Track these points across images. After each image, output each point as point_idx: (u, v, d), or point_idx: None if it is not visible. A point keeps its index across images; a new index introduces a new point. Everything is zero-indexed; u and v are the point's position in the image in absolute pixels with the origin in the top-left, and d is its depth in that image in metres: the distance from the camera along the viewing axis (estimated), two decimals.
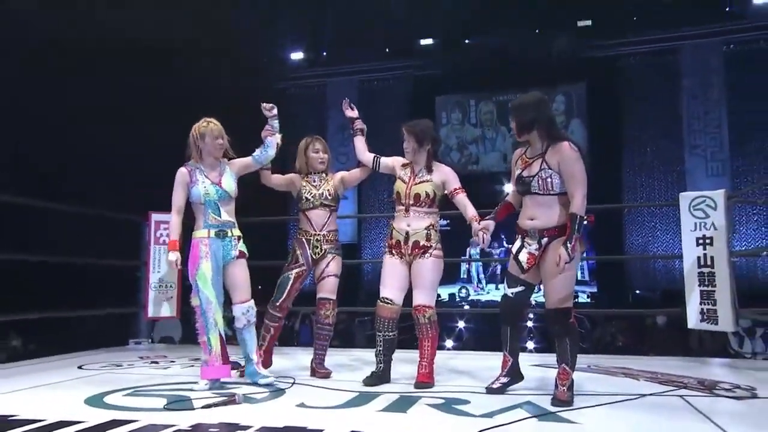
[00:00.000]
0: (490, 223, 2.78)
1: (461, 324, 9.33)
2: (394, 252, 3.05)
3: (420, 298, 2.99)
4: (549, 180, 2.53)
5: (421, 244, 2.99)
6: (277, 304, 3.23)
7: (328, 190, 3.30)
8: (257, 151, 3.17)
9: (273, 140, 3.17)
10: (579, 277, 9.17)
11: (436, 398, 2.65)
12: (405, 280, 3.03)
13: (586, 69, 11.59)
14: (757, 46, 11.14)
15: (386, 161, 3.21)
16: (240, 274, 3.00)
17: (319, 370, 3.25)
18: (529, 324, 8.71)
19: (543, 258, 2.58)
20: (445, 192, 3.08)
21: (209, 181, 3.00)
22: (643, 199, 11.09)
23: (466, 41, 11.85)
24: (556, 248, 2.51)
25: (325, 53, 12.60)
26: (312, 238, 3.25)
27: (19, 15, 7.63)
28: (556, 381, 2.59)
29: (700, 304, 3.60)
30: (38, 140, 8.24)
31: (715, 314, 3.54)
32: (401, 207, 3.06)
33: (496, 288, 11.90)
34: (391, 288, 3.02)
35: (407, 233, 3.01)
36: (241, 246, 3.04)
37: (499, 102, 12.78)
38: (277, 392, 2.84)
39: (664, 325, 6.67)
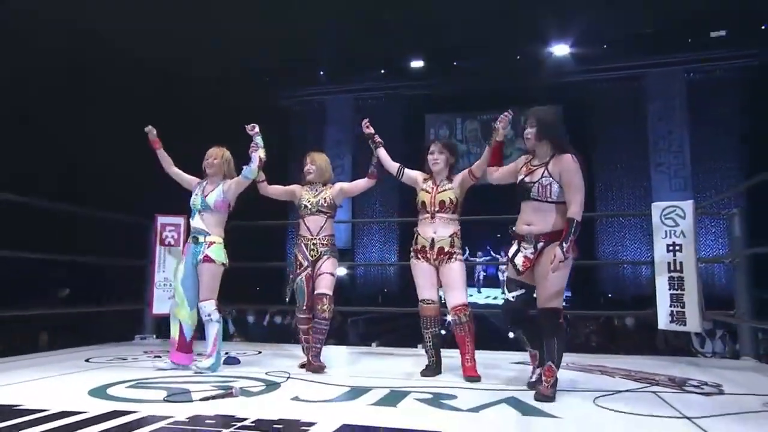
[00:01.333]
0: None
1: (449, 318, 9.25)
2: (420, 257, 3.09)
3: (456, 298, 3.00)
4: (549, 187, 2.52)
5: (446, 250, 3.03)
6: (303, 308, 3.29)
7: (325, 198, 3.34)
8: (244, 169, 3.24)
9: (255, 155, 3.26)
10: None
11: (425, 393, 2.56)
12: (436, 280, 3.08)
13: (562, 92, 11.67)
14: (715, 75, 11.33)
15: (410, 173, 3.26)
16: (202, 277, 3.16)
17: (314, 362, 3.20)
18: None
19: (538, 261, 2.55)
20: (465, 185, 3.13)
21: (201, 193, 3.26)
22: (613, 212, 11.16)
23: (454, 64, 11.88)
24: (550, 251, 2.48)
25: (322, 72, 12.56)
26: (309, 242, 3.30)
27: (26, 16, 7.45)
28: (540, 377, 2.55)
29: (670, 306, 3.54)
30: (57, 148, 8.10)
31: (684, 316, 3.48)
32: (427, 214, 3.09)
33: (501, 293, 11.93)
34: (428, 289, 3.08)
35: (432, 240, 3.04)
36: (211, 251, 3.16)
37: (483, 120, 12.83)
38: (273, 386, 2.74)
39: (632, 326, 6.62)
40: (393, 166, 3.28)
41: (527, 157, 2.70)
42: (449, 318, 3.07)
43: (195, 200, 3.24)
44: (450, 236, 3.04)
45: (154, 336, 4.84)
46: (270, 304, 7.47)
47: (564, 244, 2.42)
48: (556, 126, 2.62)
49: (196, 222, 3.22)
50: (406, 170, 3.25)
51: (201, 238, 3.18)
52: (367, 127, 3.34)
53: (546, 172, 2.55)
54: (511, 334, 8.90)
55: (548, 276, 2.48)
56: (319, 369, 3.15)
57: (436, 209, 3.06)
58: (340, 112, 12.97)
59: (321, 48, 10.88)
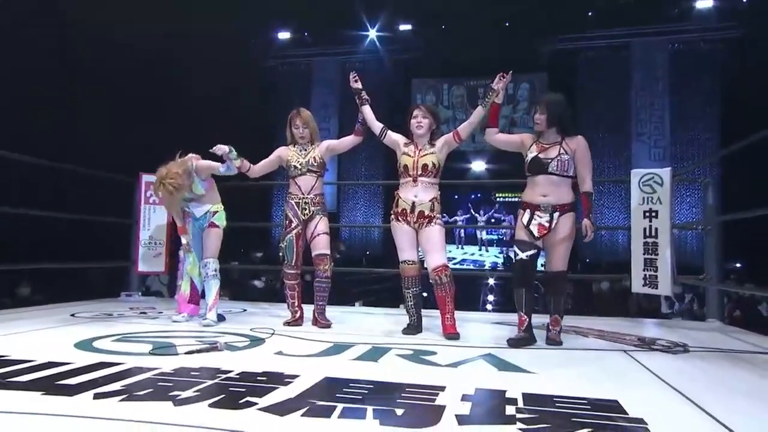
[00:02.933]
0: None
1: (430, 280, 9.38)
2: (400, 219, 3.11)
3: (436, 260, 3.03)
4: (567, 163, 2.78)
5: (426, 213, 3.06)
6: (291, 264, 3.33)
7: (314, 157, 3.32)
8: (222, 167, 3.30)
9: (233, 164, 3.29)
10: None
11: (406, 350, 2.61)
12: (416, 242, 3.12)
13: (548, 60, 11.58)
14: (698, 47, 11.28)
15: (392, 135, 3.23)
16: (209, 239, 3.39)
17: (320, 320, 3.29)
18: (491, 281, 8.80)
19: (554, 229, 2.78)
20: (449, 148, 3.13)
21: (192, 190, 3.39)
22: (594, 181, 11.24)
23: (443, 27, 11.65)
24: (565, 220, 2.79)
25: (306, 33, 12.24)
26: (301, 201, 3.31)
27: None
28: (548, 326, 2.89)
29: (644, 270, 3.62)
30: (41, 103, 7.83)
31: (656, 280, 3.57)
32: (408, 178, 3.09)
33: (482, 251, 12.41)
34: (409, 251, 3.11)
35: (413, 203, 3.06)
36: (216, 218, 3.38)
37: (470, 86, 12.69)
38: (257, 341, 2.77)
39: (607, 290, 6.78)
40: (377, 126, 3.24)
41: (533, 137, 2.89)
42: (430, 280, 3.10)
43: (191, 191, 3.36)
44: (430, 200, 3.05)
45: (140, 293, 4.82)
46: (255, 264, 7.46)
47: (591, 215, 2.78)
48: (564, 112, 2.83)
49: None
50: (389, 132, 3.22)
51: (205, 208, 3.37)
52: (355, 80, 3.28)
53: (562, 149, 2.79)
54: (490, 297, 9.13)
55: (562, 244, 2.79)
56: (326, 326, 3.23)
57: (419, 173, 3.07)
58: (326, 74, 12.71)
59: (307, 9, 10.58)
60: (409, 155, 3.11)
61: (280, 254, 3.38)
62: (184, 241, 3.46)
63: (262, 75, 12.15)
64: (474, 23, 11.05)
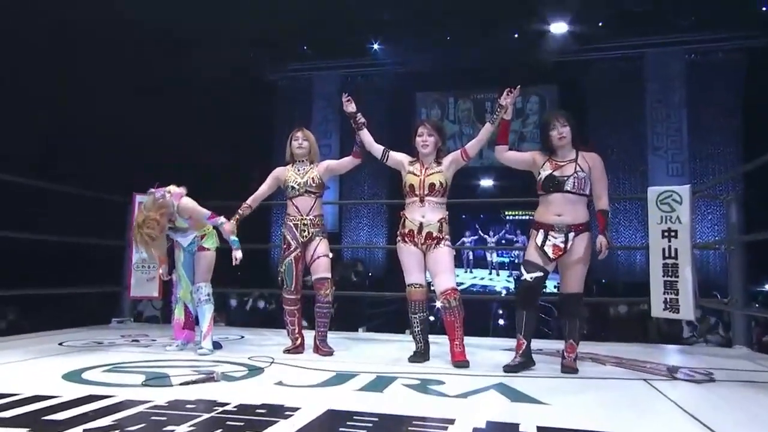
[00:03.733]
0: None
1: (438, 304, 9.31)
2: (407, 240, 3.12)
3: (445, 283, 3.04)
4: (583, 181, 2.82)
5: (434, 234, 3.07)
6: (291, 288, 3.34)
7: (313, 177, 3.35)
8: (211, 220, 3.35)
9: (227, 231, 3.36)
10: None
11: (412, 379, 2.59)
12: (423, 265, 3.13)
13: (558, 72, 11.65)
14: (716, 57, 11.34)
15: (395, 155, 3.24)
16: (200, 263, 3.43)
17: (322, 348, 3.29)
18: (501, 322, 8.74)
19: (569, 249, 2.81)
20: (456, 166, 3.15)
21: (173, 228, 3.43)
22: (609, 198, 11.21)
23: (447, 38, 11.76)
24: (581, 241, 2.82)
25: (305, 47, 12.40)
26: (299, 222, 3.33)
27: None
28: (563, 353, 2.89)
29: (664, 293, 3.60)
30: (28, 121, 7.92)
31: (677, 303, 3.55)
32: (415, 198, 3.11)
33: (495, 274, 12.29)
34: (416, 273, 3.12)
35: (421, 224, 3.08)
36: (204, 242, 3.42)
37: (477, 100, 12.78)
38: (256, 371, 2.76)
39: (625, 314, 6.72)
40: (377, 149, 3.25)
41: (545, 154, 2.92)
42: (438, 304, 3.10)
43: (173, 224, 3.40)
44: (439, 221, 3.07)
45: (132, 320, 4.82)
46: (252, 287, 7.46)
47: (606, 233, 2.82)
48: (578, 128, 2.91)
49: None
50: (391, 153, 3.23)
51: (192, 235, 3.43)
52: (348, 102, 3.26)
53: (578, 167, 2.84)
54: (501, 321, 9.05)
55: (577, 265, 2.81)
56: (328, 354, 3.23)
57: (426, 192, 3.08)
58: (327, 88, 12.82)
59: (305, 21, 10.73)
60: (415, 174, 3.13)
61: (279, 278, 3.39)
62: (160, 270, 3.55)
63: (261, 90, 12.30)
64: (481, 34, 11.18)
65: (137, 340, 3.79)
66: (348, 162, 3.39)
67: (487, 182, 12.66)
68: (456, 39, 11.64)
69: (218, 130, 9.91)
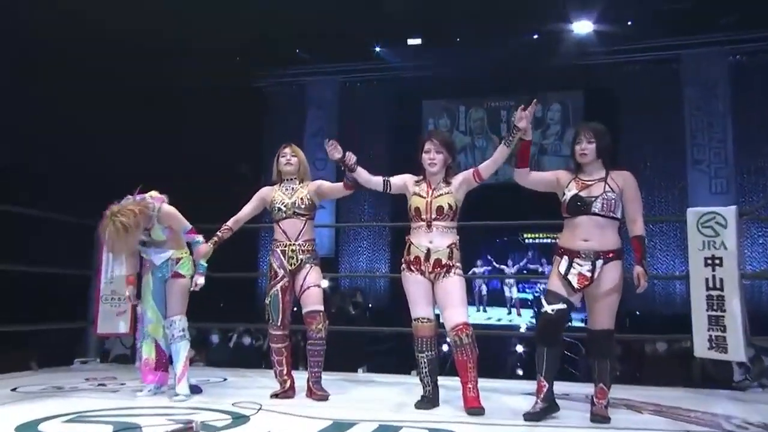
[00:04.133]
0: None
1: (447, 341, 9.23)
2: (413, 268, 3.13)
3: (456, 316, 3.04)
4: (613, 202, 2.84)
5: (444, 262, 3.08)
6: (277, 323, 3.35)
7: (302, 198, 3.38)
8: (190, 235, 3.41)
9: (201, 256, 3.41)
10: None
11: (419, 428, 2.57)
12: (431, 296, 3.13)
13: (583, 76, 11.74)
14: (764, 58, 11.29)
15: (397, 181, 3.28)
16: (173, 292, 3.38)
17: (315, 392, 3.29)
18: (519, 349, 8.68)
19: (596, 280, 2.81)
20: (467, 187, 3.18)
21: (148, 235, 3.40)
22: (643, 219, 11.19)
23: (457, 40, 11.87)
24: (611, 270, 2.81)
25: (298, 51, 12.55)
26: (287, 248, 3.34)
27: None
28: (593, 398, 2.89)
29: (708, 330, 3.57)
30: None
31: (725, 342, 3.51)
32: (421, 222, 3.12)
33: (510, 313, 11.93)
34: (424, 306, 3.12)
35: (428, 250, 3.08)
36: (180, 267, 3.39)
37: (491, 108, 12.87)
38: (241, 419, 2.74)
39: (664, 352, 6.66)
40: (377, 182, 3.27)
41: (570, 173, 2.98)
42: (448, 341, 3.09)
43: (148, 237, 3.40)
44: (448, 247, 3.08)
45: (98, 360, 4.80)
46: (237, 321, 7.44)
47: (644, 261, 2.83)
48: (610, 141, 2.94)
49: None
50: (392, 180, 3.26)
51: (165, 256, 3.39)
52: (333, 147, 3.17)
53: (607, 186, 2.86)
54: (520, 362, 8.97)
55: (607, 298, 2.81)
56: (323, 398, 3.23)
57: (433, 216, 3.09)
58: (322, 95, 12.95)
59: (300, 22, 10.88)
60: (421, 196, 3.14)
61: (266, 312, 3.39)
62: (127, 293, 3.51)
63: (247, 99, 12.41)
64: (495, 35, 11.27)
65: (104, 384, 3.77)
66: (339, 189, 3.42)
67: (503, 200, 12.69)
68: (467, 40, 11.76)
69: (198, 146, 9.99)
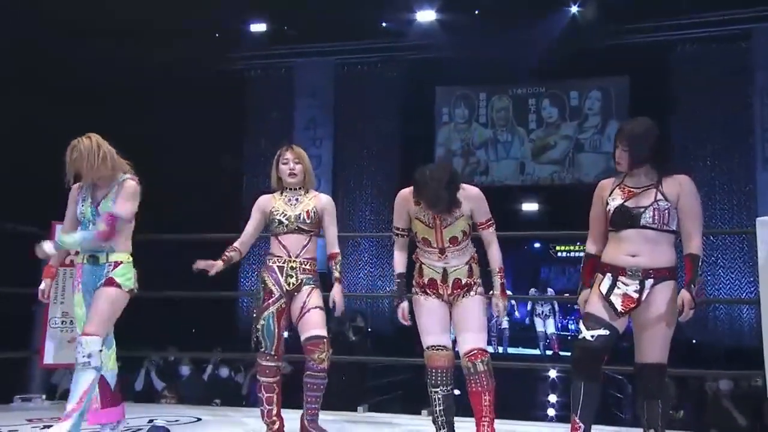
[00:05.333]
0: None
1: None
2: (429, 291, 3.16)
3: (472, 341, 3.06)
4: (666, 213, 2.82)
5: (464, 281, 3.13)
6: (270, 352, 3.34)
7: (308, 210, 3.40)
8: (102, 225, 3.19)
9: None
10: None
11: None
12: (448, 322, 3.16)
13: (628, 59, 11.65)
14: None
15: (401, 217, 3.20)
16: (98, 304, 3.15)
17: (311, 429, 3.31)
18: (552, 374, 8.65)
19: (646, 303, 2.80)
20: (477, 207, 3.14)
21: (90, 200, 3.25)
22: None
23: (476, 12, 11.81)
24: (664, 292, 2.80)
25: (286, 27, 12.55)
26: (285, 264, 3.36)
27: None
28: None
29: None
30: None
31: None
32: (433, 249, 3.15)
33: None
34: (439, 333, 3.13)
35: (445, 270, 3.13)
36: (117, 273, 3.20)
37: (517, 96, 12.87)
38: None
39: (728, 391, 6.60)
40: (401, 266, 3.25)
41: (614, 179, 2.99)
42: (462, 368, 3.08)
43: (83, 210, 3.24)
44: (467, 263, 3.14)
45: (43, 397, 4.78)
46: (212, 349, 7.43)
47: (693, 286, 2.76)
48: (654, 141, 2.88)
49: None
50: (398, 239, 3.24)
51: (101, 257, 3.21)
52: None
53: (659, 195, 2.85)
54: (551, 398, 8.93)
55: (659, 325, 2.80)
56: None
57: (447, 245, 3.12)
58: (315, 80, 12.92)
59: None
60: (428, 225, 3.11)
61: (254, 338, 3.38)
62: (42, 285, 3.37)
63: (226, 84, 12.41)
64: (522, 9, 11.25)
65: (49, 426, 3.75)
66: (332, 237, 3.49)
67: (530, 206, 12.66)
68: (489, 16, 11.75)
69: (170, 139, 10.00)
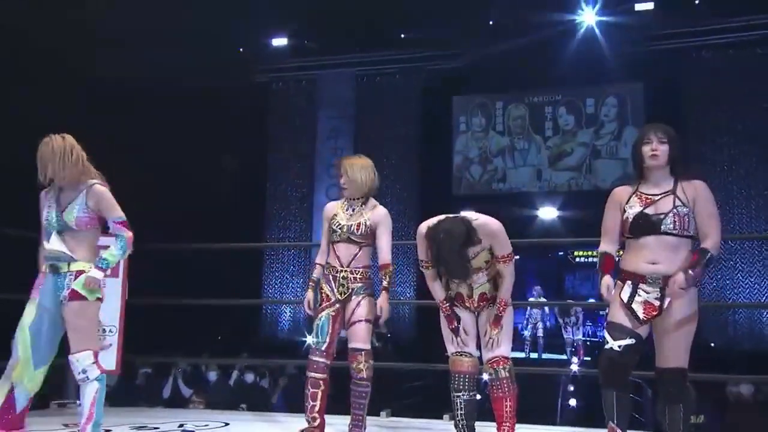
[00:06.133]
0: None
1: (484, 377, 9.07)
2: (457, 304, 3.23)
3: (495, 349, 3.13)
4: (686, 218, 2.81)
5: (489, 295, 3.19)
6: (322, 348, 3.40)
7: (360, 222, 3.45)
8: (124, 234, 3.15)
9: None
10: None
11: None
12: (475, 329, 3.20)
13: (645, 65, 11.58)
14: None
15: (425, 253, 3.15)
16: (72, 320, 3.04)
17: None
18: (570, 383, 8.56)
19: (667, 310, 2.79)
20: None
21: (56, 206, 3.12)
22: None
23: (491, 23, 11.80)
24: (684, 298, 2.77)
25: (307, 41, 12.61)
26: (338, 274, 3.46)
27: None
28: None
29: None
30: None
31: None
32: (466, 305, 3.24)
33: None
34: (463, 340, 3.18)
35: (470, 286, 3.19)
36: (79, 284, 3.05)
37: (533, 104, 12.82)
38: None
39: (750, 396, 6.51)
40: (438, 293, 3.24)
41: (628, 187, 2.97)
42: (484, 377, 3.11)
43: (49, 217, 3.10)
44: (489, 280, 3.19)
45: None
46: (238, 355, 7.47)
47: (690, 271, 2.72)
48: (680, 146, 2.91)
49: (54, 244, 3.08)
50: (427, 271, 3.21)
51: (63, 267, 3.07)
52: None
53: (678, 200, 2.84)
54: (572, 402, 8.83)
55: (678, 329, 2.79)
56: None
57: (477, 304, 3.19)
58: (336, 92, 13.00)
59: (307, 4, 10.92)
60: (458, 286, 3.18)
61: (311, 337, 3.50)
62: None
63: (249, 96, 12.50)
64: (537, 16, 11.19)
65: None
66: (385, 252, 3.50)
67: (548, 212, 12.56)
68: (504, 24, 11.72)
69: (193, 151, 10.10)
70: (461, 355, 3.16)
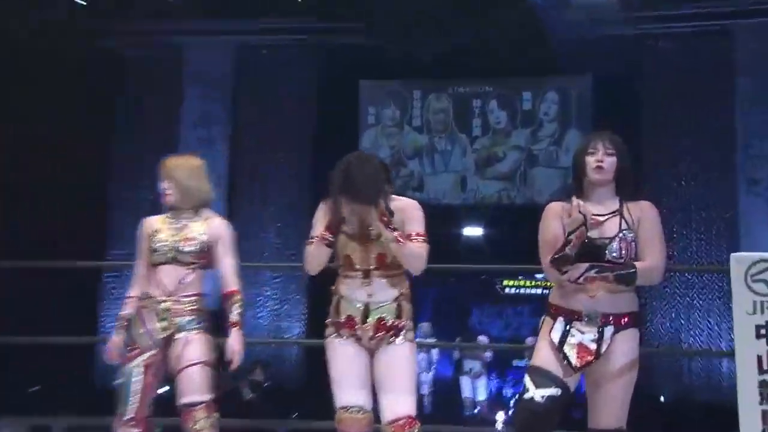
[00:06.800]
0: None
1: None
2: (344, 333, 3.16)
3: (399, 407, 3.07)
4: (633, 244, 2.92)
5: (390, 322, 3.14)
6: (129, 417, 3.32)
7: (189, 237, 3.44)
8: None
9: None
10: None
11: None
12: (368, 374, 3.16)
13: (593, 55, 11.90)
14: None
15: (318, 230, 3.19)
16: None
17: None
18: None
19: (605, 355, 2.85)
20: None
21: None
22: (672, 259, 11.27)
23: None
24: (625, 341, 2.89)
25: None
26: (159, 306, 3.40)
27: None
28: None
29: (763, 427, 3.63)
30: None
31: None
32: (355, 273, 3.19)
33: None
34: (355, 389, 3.12)
35: (366, 306, 3.14)
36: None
37: (459, 96, 13.00)
38: None
39: None
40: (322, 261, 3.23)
41: (566, 205, 2.97)
42: None
43: None
44: (395, 300, 3.17)
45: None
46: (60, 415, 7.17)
47: (591, 270, 2.81)
48: (629, 159, 3.04)
49: None
50: (321, 235, 3.17)
51: None
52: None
53: (624, 223, 2.94)
54: None
55: (618, 378, 2.85)
56: None
57: (373, 266, 3.16)
58: (209, 67, 12.76)
59: None
60: (352, 236, 3.17)
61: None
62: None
63: (98, 67, 12.07)
64: None
65: None
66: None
67: (473, 230, 12.72)
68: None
69: (22, 136, 9.72)
70: (351, 411, 3.10)
